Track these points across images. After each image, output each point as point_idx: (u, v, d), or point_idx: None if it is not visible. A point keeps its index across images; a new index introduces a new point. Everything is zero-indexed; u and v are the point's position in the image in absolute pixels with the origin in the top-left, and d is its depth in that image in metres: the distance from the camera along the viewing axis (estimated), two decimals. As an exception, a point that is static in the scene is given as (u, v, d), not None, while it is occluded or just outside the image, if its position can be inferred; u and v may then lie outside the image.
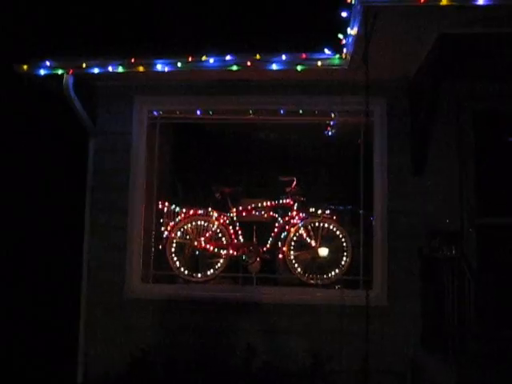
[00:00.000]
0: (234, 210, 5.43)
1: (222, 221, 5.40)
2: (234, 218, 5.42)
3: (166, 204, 5.42)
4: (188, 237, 5.38)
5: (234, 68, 4.65)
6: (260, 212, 5.45)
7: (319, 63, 4.58)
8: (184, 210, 5.41)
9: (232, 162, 6.20)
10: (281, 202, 5.44)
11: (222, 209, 5.42)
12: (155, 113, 5.33)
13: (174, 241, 5.36)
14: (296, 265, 5.28)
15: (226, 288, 5.14)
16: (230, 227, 5.39)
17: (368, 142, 5.03)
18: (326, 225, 5.33)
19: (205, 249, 5.36)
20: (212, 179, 5.85)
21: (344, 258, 5.26)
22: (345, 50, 4.46)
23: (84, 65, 4.76)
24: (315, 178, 6.26)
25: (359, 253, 5.05)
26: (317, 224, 5.31)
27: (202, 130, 5.96)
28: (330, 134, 5.98)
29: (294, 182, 5.42)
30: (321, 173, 6.39)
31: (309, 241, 5.32)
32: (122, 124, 5.14)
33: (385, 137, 4.98)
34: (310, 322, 4.83)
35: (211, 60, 4.66)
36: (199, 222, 5.40)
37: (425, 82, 4.44)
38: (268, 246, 5.35)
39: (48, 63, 4.80)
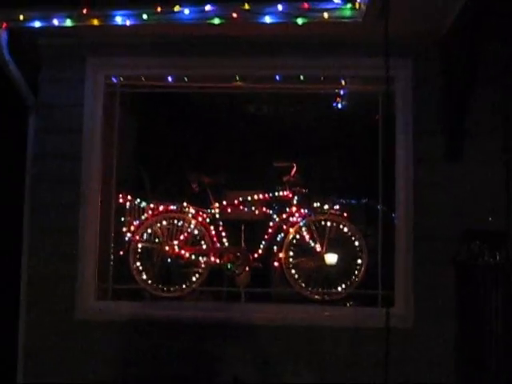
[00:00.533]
0: (217, 204, 5.43)
1: (200, 219, 5.38)
2: (217, 216, 5.41)
3: (129, 198, 5.40)
4: (157, 240, 5.38)
5: (216, 21, 4.65)
6: (250, 208, 5.45)
7: (326, 15, 4.55)
8: (152, 206, 5.40)
9: (214, 143, 6.26)
10: (276, 194, 5.45)
11: (201, 203, 5.45)
12: (114, 79, 5.33)
13: (139, 245, 5.35)
14: (296, 276, 5.29)
15: (206, 306, 5.14)
16: (212, 227, 5.39)
17: (388, 117, 5.06)
18: (335, 224, 5.33)
19: (179, 255, 5.36)
20: (188, 165, 5.91)
21: (358, 267, 5.26)
22: (358, -1, 4.45)
23: (21, 17, 4.72)
24: (320, 164, 6.30)
25: (377, 260, 5.07)
26: (323, 223, 5.32)
27: (176, 101, 6.00)
28: (339, 106, 6.06)
29: (294, 169, 5.43)
30: (328, 157, 6.43)
31: (313, 244, 5.31)
32: (71, 94, 5.12)
33: (410, 110, 4.98)
34: (315, 350, 4.85)
35: (186, 11, 4.62)
36: (171, 221, 5.39)
37: (462, 41, 4.44)
38: (260, 251, 5.36)
39: (-28, 15, 4.75)
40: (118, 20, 4.71)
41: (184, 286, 5.29)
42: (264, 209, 5.45)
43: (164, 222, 5.40)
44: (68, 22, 4.72)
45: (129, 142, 5.86)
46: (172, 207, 5.42)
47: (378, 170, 5.07)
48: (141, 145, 6.14)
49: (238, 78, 5.23)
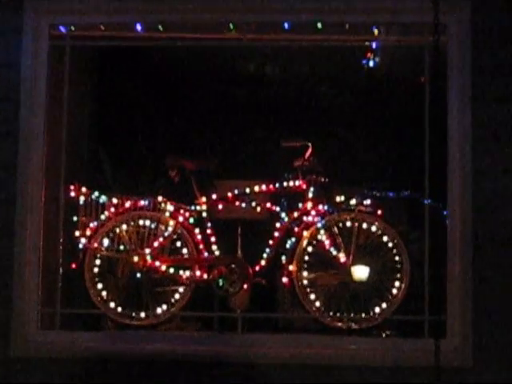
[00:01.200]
0: (204, 199, 5.40)
1: (181, 219, 5.36)
2: (204, 214, 5.39)
3: (84, 190, 5.37)
4: (122, 248, 5.36)
5: None
6: (249, 203, 5.44)
7: None
8: (115, 201, 5.37)
9: (200, 116, 6.35)
10: (285, 184, 5.43)
11: (183, 198, 5.45)
12: (62, 29, 5.30)
13: (98, 255, 5.35)
14: (313, 296, 5.28)
15: (189, 338, 5.11)
16: (197, 230, 5.36)
17: (438, 81, 4.92)
18: (365, 225, 5.32)
19: (152, 269, 5.33)
20: (164, 146, 6.09)
21: (396, 284, 5.25)
22: None
23: None
24: (345, 144, 6.44)
25: (423, 274, 5.03)
26: (349, 224, 5.32)
27: (147, 59, 6.10)
28: (370, 65, 6.23)
29: (309, 151, 5.43)
30: (355, 134, 6.52)
31: (335, 253, 5.29)
32: (3, 51, 5.10)
33: (467, 71, 4.96)
34: None
35: None
36: (142, 222, 5.37)
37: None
38: (263, 262, 5.33)
39: None
40: None
41: (159, 311, 5.27)
42: (268, 205, 5.44)
43: (131, 224, 5.37)
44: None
45: (83, 115, 5.95)
46: (142, 203, 5.37)
47: (424, 152, 5.04)
48: (100, 119, 6.23)
49: (231, 27, 5.23)
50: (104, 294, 5.30)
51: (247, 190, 5.43)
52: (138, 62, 6.06)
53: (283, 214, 5.39)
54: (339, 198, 5.43)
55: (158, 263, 5.32)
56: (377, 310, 5.23)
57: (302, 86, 6.49)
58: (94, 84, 6.14)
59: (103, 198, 5.38)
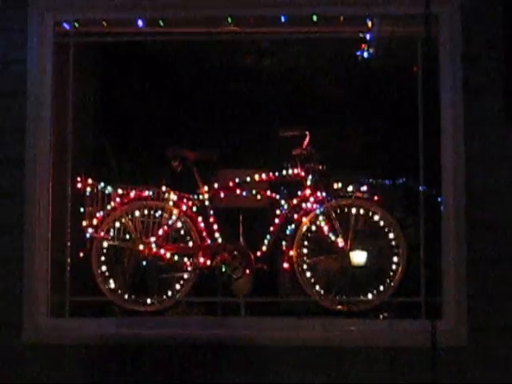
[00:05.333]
0: (206, 188, 5.45)
1: (185, 208, 5.41)
2: (206, 203, 5.44)
3: (90, 181, 5.41)
4: (128, 237, 5.41)
5: None
6: (250, 191, 5.49)
7: None
8: (120, 192, 5.41)
9: (201, 107, 6.36)
10: (284, 173, 5.47)
11: (186, 187, 5.49)
12: (66, 26, 5.29)
13: (105, 244, 5.40)
14: (313, 280, 5.33)
15: (194, 322, 5.08)
16: (200, 218, 5.42)
17: (430, 70, 5.03)
18: (363, 211, 5.36)
19: (157, 256, 5.39)
20: (168, 137, 6.04)
21: (393, 267, 5.29)
22: None
23: None
24: (342, 132, 6.43)
25: (419, 257, 5.06)
26: (347, 210, 5.36)
27: (149, 54, 6.12)
28: (365, 56, 6.18)
29: (307, 139, 5.46)
30: (351, 123, 6.50)
31: (334, 238, 5.34)
32: (9, 47, 5.08)
33: (459, 60, 4.93)
34: (338, 377, 4.79)
35: None
36: (146, 211, 5.41)
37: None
38: (264, 248, 5.40)
39: None
40: None
41: (165, 297, 5.35)
42: (268, 193, 5.50)
43: (137, 213, 5.41)
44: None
45: (88, 109, 5.95)
46: (147, 193, 5.43)
47: (418, 139, 5.05)
48: (104, 112, 6.20)
49: (230, 21, 5.22)
50: (111, 281, 5.35)
51: (248, 179, 5.48)
52: (140, 57, 6.03)
53: (283, 202, 5.43)
54: (337, 185, 5.46)
55: (162, 251, 5.38)
56: (375, 292, 5.30)
57: (298, 77, 6.45)
58: (98, 79, 6.09)
59: (109, 189, 5.41)
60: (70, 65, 5.33)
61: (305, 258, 5.38)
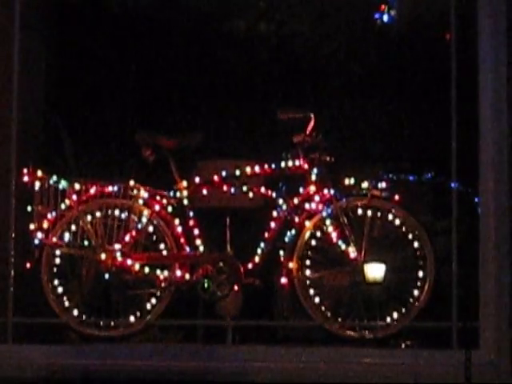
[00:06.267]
0: (185, 183, 5.09)
1: (158, 207, 5.07)
2: (185, 202, 5.09)
3: (40, 174, 5.05)
4: (87, 243, 5.06)
5: None
6: (239, 187, 5.12)
7: None
8: (77, 187, 5.06)
9: (180, 82, 6.17)
10: (283, 165, 5.13)
11: (159, 182, 5.20)
12: None
13: (58, 252, 5.06)
14: (317, 299, 5.01)
15: (169, 350, 4.78)
16: (177, 221, 5.08)
17: (466, 38, 4.74)
18: (380, 213, 5.04)
19: (123, 268, 5.04)
20: (137, 120, 5.92)
21: (418, 284, 4.95)
22: None
23: None
24: (354, 115, 6.23)
25: (450, 272, 4.77)
26: (360, 212, 5.03)
27: (116, 10, 6.18)
28: (385, 20, 6.17)
29: (311, 124, 5.10)
30: (366, 103, 6.32)
31: (343, 247, 4.97)
32: None
33: (502, 25, 4.53)
34: None
35: None
36: (110, 212, 5.08)
37: None
38: (257, 259, 5.03)
39: None
40: None
41: (132, 319, 4.99)
42: (263, 190, 5.11)
43: (98, 214, 5.05)
44: None
45: (38, 83, 5.81)
46: (111, 189, 5.06)
47: (451, 126, 4.73)
48: (58, 87, 6.03)
49: None
50: (65, 299, 5.03)
51: (237, 172, 5.11)
52: (103, 16, 6.00)
53: (281, 201, 5.06)
54: (348, 181, 5.12)
55: (129, 261, 5.02)
56: (395, 315, 4.92)
57: (302, 45, 6.42)
58: (50, 43, 5.97)
59: (63, 184, 5.06)
60: (16, 28, 5.04)
61: (308, 271, 5.01)
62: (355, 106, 6.35)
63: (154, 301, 4.99)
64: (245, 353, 4.65)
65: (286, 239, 5.00)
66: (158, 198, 5.08)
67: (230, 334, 4.99)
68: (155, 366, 4.56)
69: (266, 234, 5.02)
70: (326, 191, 5.00)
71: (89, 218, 5.03)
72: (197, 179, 5.11)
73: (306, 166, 5.05)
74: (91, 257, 5.07)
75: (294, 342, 5.16)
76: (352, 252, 4.94)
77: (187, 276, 5.00)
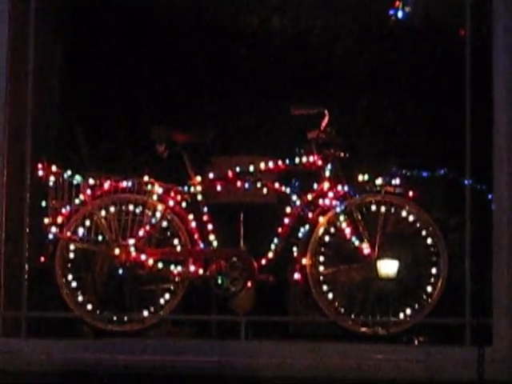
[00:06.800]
0: (199, 179, 5.11)
1: (172, 203, 5.07)
2: (199, 198, 5.10)
3: (54, 169, 5.06)
4: (101, 238, 5.06)
5: None
6: (253, 183, 5.15)
7: None
8: (92, 182, 5.08)
9: (193, 78, 6.18)
10: (297, 161, 5.16)
11: (173, 177, 5.23)
12: None
13: (72, 247, 5.06)
14: (331, 295, 5.02)
15: (183, 346, 4.77)
16: (191, 217, 5.07)
17: (481, 33, 4.89)
18: (394, 210, 5.03)
19: (137, 263, 5.03)
20: (151, 115, 5.93)
21: (432, 280, 4.94)
22: None
23: None
24: (369, 112, 6.31)
25: (464, 268, 4.72)
26: (374, 208, 5.03)
27: (130, 8, 6.11)
28: (399, 16, 6.17)
29: (325, 120, 5.12)
30: (380, 100, 6.37)
31: (357, 244, 4.99)
32: None
33: None
34: None
35: None
36: (124, 207, 5.08)
37: None
38: (271, 255, 5.04)
39: None
40: None
41: (146, 314, 4.99)
42: (276, 185, 5.13)
43: (112, 209, 5.04)
44: None
45: (53, 79, 5.81)
46: (125, 184, 5.07)
47: (465, 122, 4.70)
48: (73, 83, 6.01)
49: None
50: (79, 293, 5.03)
51: (251, 168, 5.14)
52: (117, 16, 6.00)
53: (294, 197, 5.08)
54: (362, 177, 5.12)
55: (143, 257, 5.03)
56: (408, 311, 4.91)
57: (316, 41, 6.42)
58: (65, 41, 5.98)
59: (77, 179, 5.08)
60: (31, 23, 5.03)
61: (321, 267, 5.01)
62: (369, 102, 6.39)
63: (167, 296, 5.02)
64: (258, 348, 4.68)
65: (300, 235, 5.03)
66: (172, 193, 5.10)
67: (243, 330, 4.88)
68: (168, 361, 4.58)
69: (280, 230, 5.05)
70: (339, 187, 5.04)
71: (103, 212, 5.05)
72: (211, 175, 5.14)
73: (319, 162, 5.08)
74: (105, 251, 5.10)
75: (307, 338, 5.17)
76: (365, 248, 4.98)
77: (201, 271, 5.04)
